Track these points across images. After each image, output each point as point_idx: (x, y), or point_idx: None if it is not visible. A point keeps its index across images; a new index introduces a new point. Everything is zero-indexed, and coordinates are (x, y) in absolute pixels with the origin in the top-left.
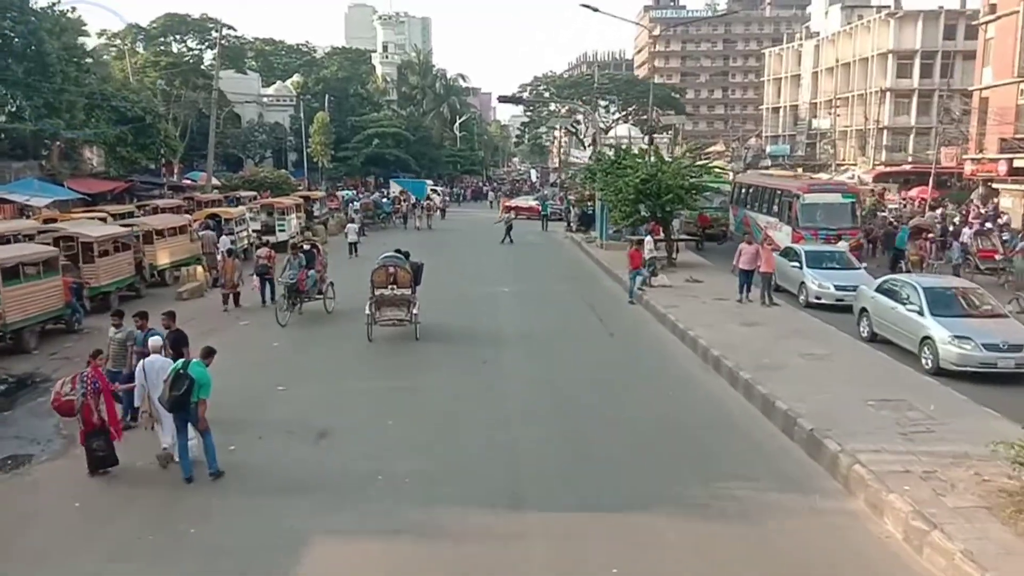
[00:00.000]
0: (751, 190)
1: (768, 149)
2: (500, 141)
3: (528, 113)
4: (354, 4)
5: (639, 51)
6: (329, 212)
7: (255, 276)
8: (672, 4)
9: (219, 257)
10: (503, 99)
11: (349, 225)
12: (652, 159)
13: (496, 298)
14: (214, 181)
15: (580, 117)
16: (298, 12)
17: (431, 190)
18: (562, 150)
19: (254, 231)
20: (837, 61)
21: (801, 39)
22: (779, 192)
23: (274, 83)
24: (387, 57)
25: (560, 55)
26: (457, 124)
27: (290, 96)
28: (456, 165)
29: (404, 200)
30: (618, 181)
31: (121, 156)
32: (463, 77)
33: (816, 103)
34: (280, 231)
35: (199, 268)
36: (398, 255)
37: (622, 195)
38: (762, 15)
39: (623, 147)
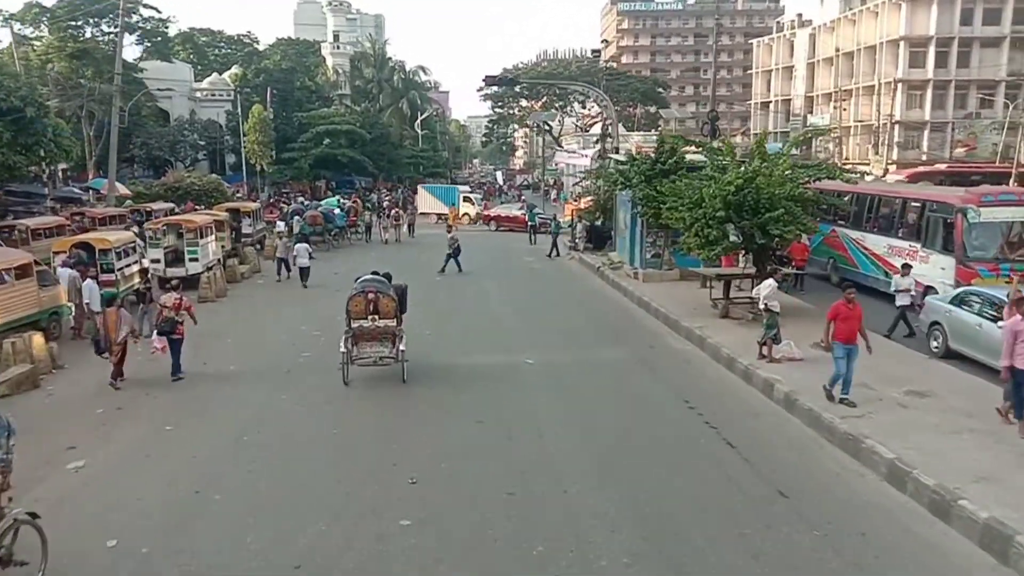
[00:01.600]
0: (852, 199)
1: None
2: (461, 141)
3: (497, 110)
4: (303, 0)
5: (606, 46)
6: (267, 227)
7: (155, 335)
8: None
9: (86, 306)
10: (491, 80)
11: (299, 246)
12: (735, 157)
13: (519, 377)
14: (124, 190)
15: (556, 114)
16: (242, 7)
17: (464, 197)
18: (539, 149)
19: (155, 261)
20: (838, 51)
21: (793, 27)
22: (918, 204)
23: (210, 76)
24: (338, 48)
25: (520, 52)
26: (418, 122)
27: (227, 90)
28: (417, 167)
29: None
30: (685, 188)
31: None
32: (423, 70)
33: (813, 97)
34: (192, 260)
35: (36, 338)
36: (379, 278)
37: (704, 209)
38: (734, 8)
39: (673, 139)
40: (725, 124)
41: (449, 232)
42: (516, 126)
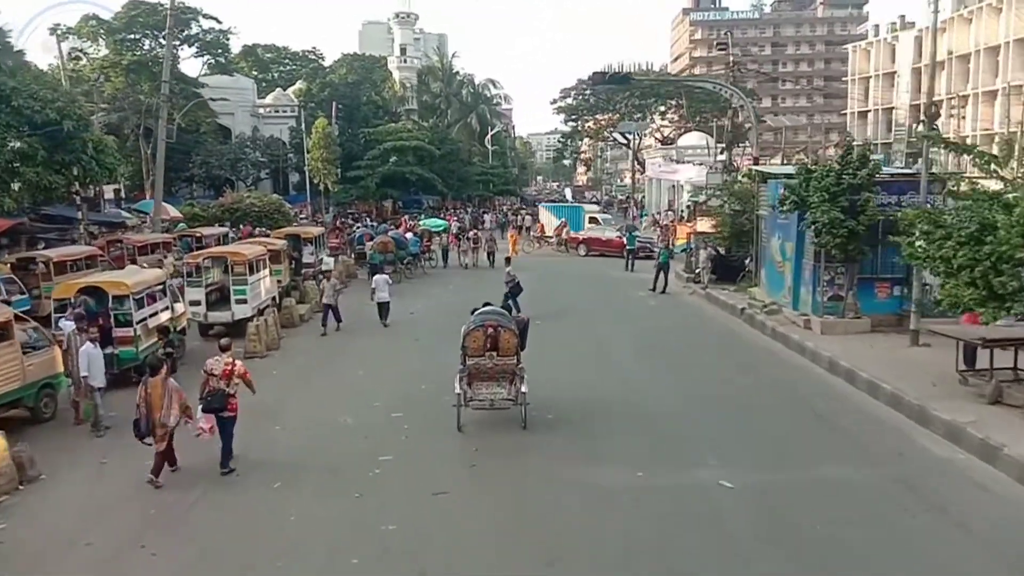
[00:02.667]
0: None
1: None
2: (526, 158)
3: (570, 123)
4: (368, 21)
5: (676, 59)
6: (331, 255)
7: (200, 412)
8: (713, 5)
9: (83, 380)
10: (598, 79)
11: (377, 277)
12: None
13: (712, 510)
14: (174, 212)
15: (645, 123)
16: (307, 31)
17: (590, 218)
18: (606, 165)
19: (194, 304)
20: (950, 53)
21: (895, 30)
22: None
23: (273, 92)
24: (405, 61)
25: (587, 67)
26: (488, 137)
27: (291, 105)
28: (488, 184)
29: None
30: (955, 215)
31: (26, 178)
32: (493, 83)
33: (919, 104)
34: (239, 301)
35: None
36: (499, 310)
37: (993, 247)
38: (814, 16)
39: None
40: (805, 137)
41: (507, 264)
42: (590, 140)
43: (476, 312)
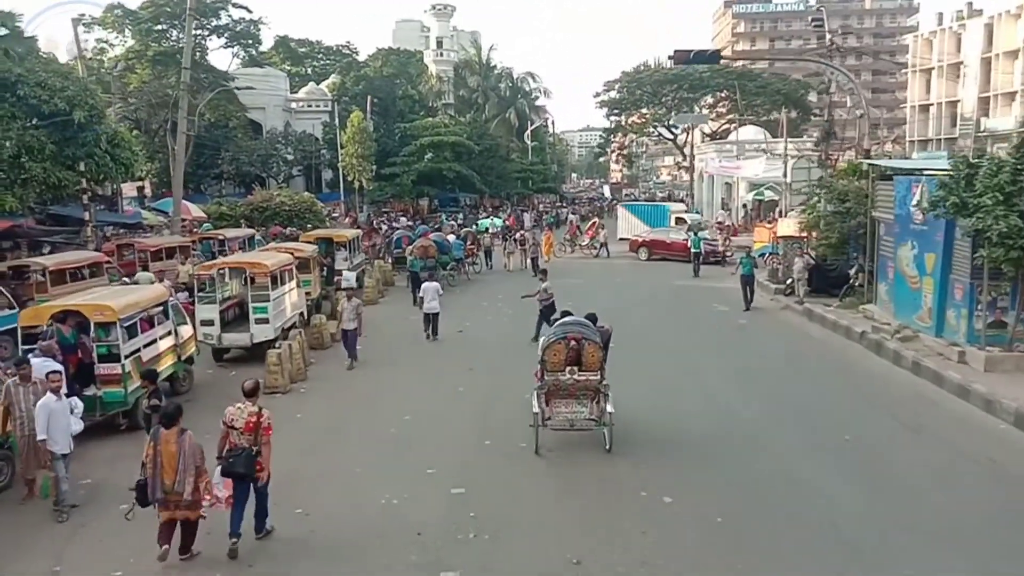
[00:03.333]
0: None
1: (916, 156)
2: (563, 155)
3: (613, 117)
4: (402, 19)
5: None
6: (366, 260)
7: (217, 477)
8: None
9: (41, 444)
10: (680, 57)
11: (427, 285)
12: None
13: None
14: (197, 212)
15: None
16: (340, 30)
17: (676, 218)
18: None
19: (207, 323)
20: None
21: (961, 18)
22: None
23: (306, 86)
24: (441, 55)
25: (624, 63)
26: (528, 132)
27: (324, 100)
28: (527, 182)
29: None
30: None
31: (32, 174)
32: (532, 76)
33: (989, 97)
34: (259, 320)
35: None
36: (582, 320)
37: None
38: (862, 7)
39: None
40: (852, 132)
41: (542, 278)
42: (633, 135)
43: (557, 322)
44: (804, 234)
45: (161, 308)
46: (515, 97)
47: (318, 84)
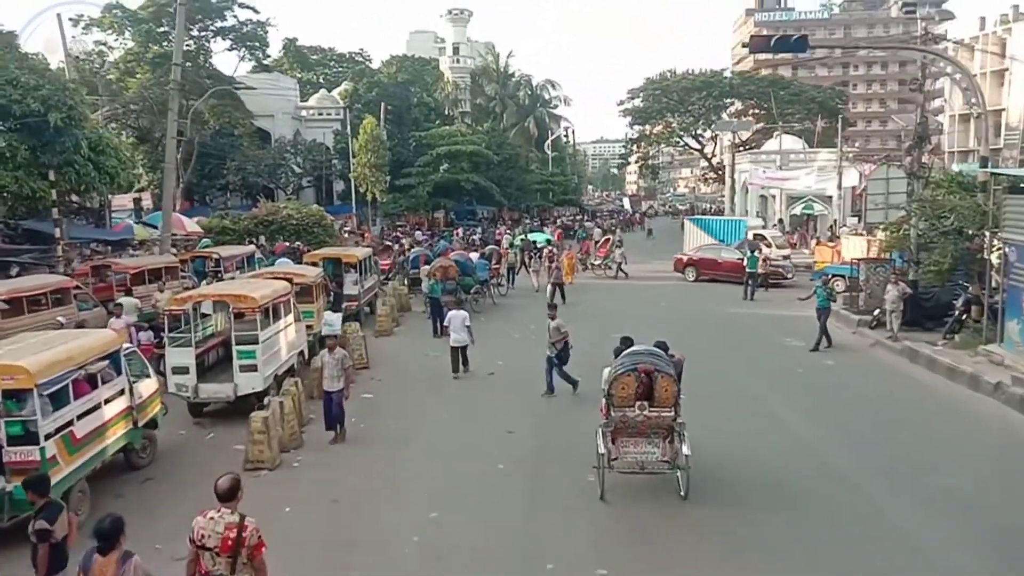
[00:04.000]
0: None
1: (957, 169)
2: (580, 166)
3: (637, 127)
4: (416, 30)
5: (738, 61)
6: (381, 281)
7: None
8: (779, 5)
9: None
10: (757, 44)
11: (453, 314)
12: None
13: None
14: (192, 227)
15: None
16: (351, 41)
17: (754, 235)
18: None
19: (179, 371)
20: None
21: (1007, 22)
22: None
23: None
24: (458, 61)
25: (633, 68)
26: (548, 142)
27: (336, 108)
28: (547, 194)
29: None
30: None
31: (1, 184)
32: (552, 84)
33: None
34: (244, 368)
35: None
36: (654, 349)
37: None
38: (888, 16)
39: None
40: (878, 144)
41: (552, 315)
42: (659, 144)
43: (624, 352)
44: (887, 256)
45: (108, 361)
46: (534, 106)
47: (329, 91)
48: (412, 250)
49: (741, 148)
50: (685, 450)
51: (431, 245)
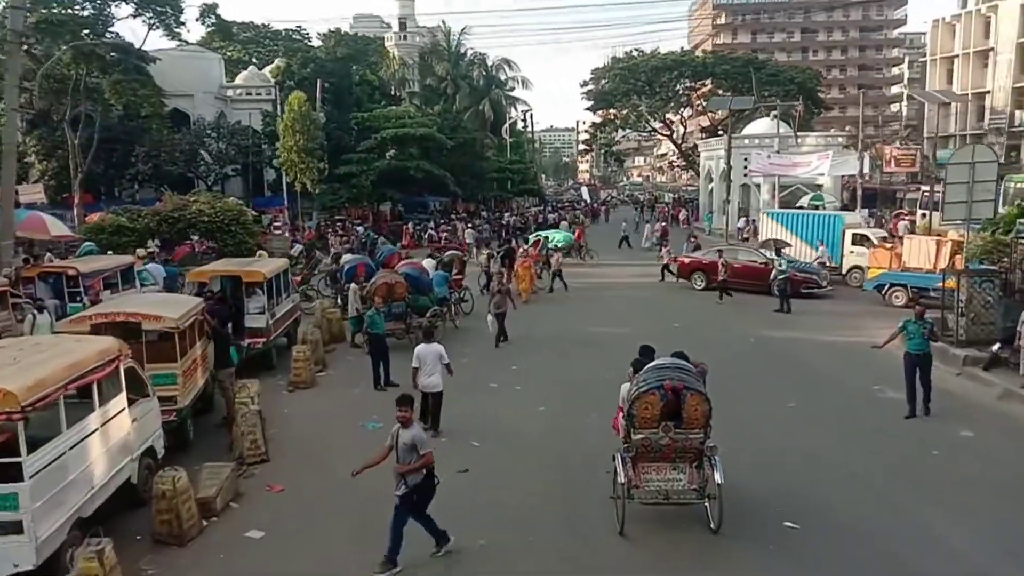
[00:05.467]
0: None
1: (939, 155)
2: (535, 154)
3: (601, 112)
4: (360, 14)
5: (696, 46)
6: (305, 296)
7: None
8: None
9: None
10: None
11: (422, 349)
12: None
13: None
14: (57, 229)
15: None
16: (291, 21)
17: (857, 235)
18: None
19: None
20: None
21: None
22: None
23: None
24: (405, 38)
25: (596, 59)
26: (506, 127)
27: (267, 86)
28: (504, 183)
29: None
30: None
31: None
32: (509, 64)
33: None
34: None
35: None
36: (678, 362)
37: None
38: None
39: None
40: (837, 130)
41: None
42: (626, 130)
43: (647, 366)
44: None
45: None
46: (489, 87)
47: (260, 69)
48: (345, 258)
49: (721, 132)
50: (717, 477)
51: (370, 249)
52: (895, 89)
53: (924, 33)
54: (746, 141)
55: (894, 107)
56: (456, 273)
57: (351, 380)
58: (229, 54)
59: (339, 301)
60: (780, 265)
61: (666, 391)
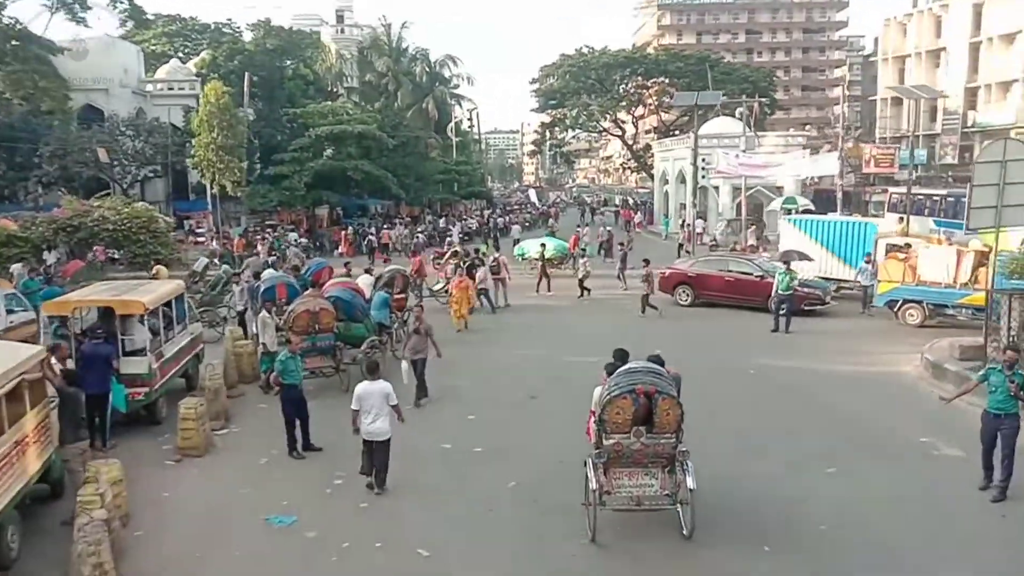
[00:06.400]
0: None
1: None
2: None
3: (551, 112)
4: (299, 14)
5: (640, 47)
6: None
7: None
8: None
9: None
10: None
11: (366, 389)
12: None
13: None
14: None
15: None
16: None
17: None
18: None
19: None
20: None
21: None
22: None
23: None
24: (342, 31)
25: (541, 58)
26: (451, 125)
27: (190, 81)
28: (453, 185)
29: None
30: None
31: None
32: (453, 60)
33: (977, 87)
34: None
35: None
36: (652, 366)
37: None
38: (791, 1)
39: None
40: (782, 132)
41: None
42: (576, 130)
43: (620, 370)
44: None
45: None
46: (433, 84)
47: (185, 63)
48: (264, 280)
49: (676, 132)
50: (689, 482)
51: (295, 266)
52: (838, 91)
53: (863, 36)
54: (706, 141)
55: (836, 109)
56: (398, 292)
57: (260, 441)
58: (153, 47)
59: (245, 331)
60: (785, 280)
61: (638, 395)
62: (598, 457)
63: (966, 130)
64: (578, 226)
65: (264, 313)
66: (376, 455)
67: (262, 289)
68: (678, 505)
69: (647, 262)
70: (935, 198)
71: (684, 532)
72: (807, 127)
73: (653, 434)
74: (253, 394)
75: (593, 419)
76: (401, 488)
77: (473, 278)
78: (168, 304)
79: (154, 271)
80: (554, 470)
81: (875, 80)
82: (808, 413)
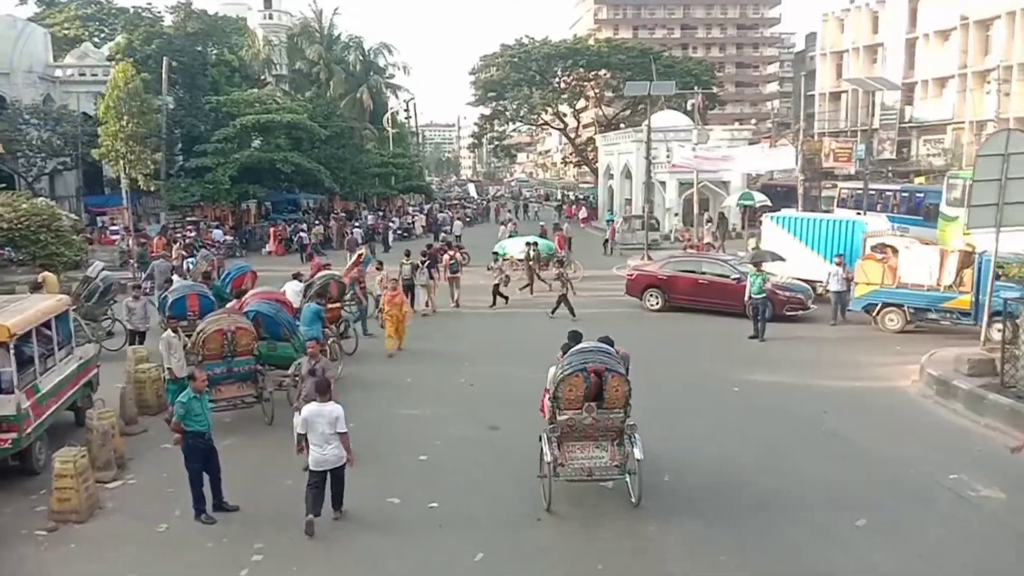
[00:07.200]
0: None
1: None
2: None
3: (493, 104)
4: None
5: (581, 39)
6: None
7: None
8: None
9: None
10: None
11: (312, 414)
12: None
13: None
14: None
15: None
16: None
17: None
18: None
19: None
20: (965, 19)
21: None
22: None
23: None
24: (271, 17)
25: (476, 52)
26: (387, 116)
27: (102, 66)
28: (390, 179)
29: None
30: None
31: None
32: (388, 49)
33: (914, 83)
34: None
35: None
36: (602, 346)
37: None
38: None
39: None
40: (739, 126)
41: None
42: (516, 124)
43: (572, 350)
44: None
45: None
46: (367, 73)
47: (99, 48)
48: (176, 284)
49: (623, 125)
50: (637, 453)
51: (205, 273)
52: (771, 87)
53: (794, 33)
54: (654, 135)
55: (769, 105)
56: (360, 284)
57: (162, 496)
58: (66, 31)
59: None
60: (756, 282)
61: (589, 373)
62: (552, 432)
63: (903, 125)
64: (512, 221)
65: (169, 332)
66: (333, 485)
67: (169, 302)
68: (627, 475)
69: (560, 263)
70: (887, 194)
71: (632, 500)
72: (740, 123)
73: (603, 409)
74: (157, 430)
75: (547, 396)
76: (335, 564)
77: (433, 278)
78: (47, 324)
79: (40, 279)
80: (530, 529)
81: (806, 77)
82: (813, 445)
